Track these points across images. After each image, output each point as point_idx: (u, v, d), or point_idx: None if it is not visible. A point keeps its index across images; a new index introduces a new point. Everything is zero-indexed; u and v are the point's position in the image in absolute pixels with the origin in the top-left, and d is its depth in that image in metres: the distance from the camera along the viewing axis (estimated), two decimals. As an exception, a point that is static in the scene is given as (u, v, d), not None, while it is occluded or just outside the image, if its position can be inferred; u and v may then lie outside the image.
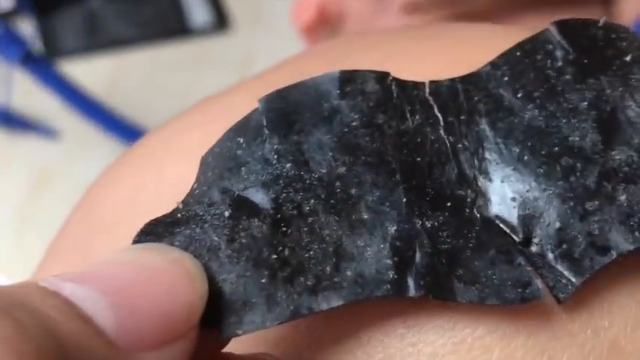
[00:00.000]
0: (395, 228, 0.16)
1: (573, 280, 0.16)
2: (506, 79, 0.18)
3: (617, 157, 0.16)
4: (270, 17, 0.86)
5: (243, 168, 0.17)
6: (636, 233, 0.15)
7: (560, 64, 0.17)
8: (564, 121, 0.17)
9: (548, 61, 0.17)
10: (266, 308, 0.15)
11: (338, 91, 0.17)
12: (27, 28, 0.79)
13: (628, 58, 0.17)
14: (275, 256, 0.16)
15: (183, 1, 0.86)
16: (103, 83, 0.78)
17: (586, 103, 0.17)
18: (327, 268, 0.16)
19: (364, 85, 0.17)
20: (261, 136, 0.17)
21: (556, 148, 0.16)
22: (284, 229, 0.16)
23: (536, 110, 0.17)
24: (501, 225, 0.16)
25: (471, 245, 0.16)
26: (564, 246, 0.16)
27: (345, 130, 0.17)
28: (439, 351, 0.16)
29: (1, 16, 0.78)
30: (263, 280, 0.16)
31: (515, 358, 0.16)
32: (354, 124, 0.17)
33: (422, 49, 0.21)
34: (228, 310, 0.16)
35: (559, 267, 0.16)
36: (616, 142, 0.16)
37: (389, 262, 0.16)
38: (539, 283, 0.16)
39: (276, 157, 0.17)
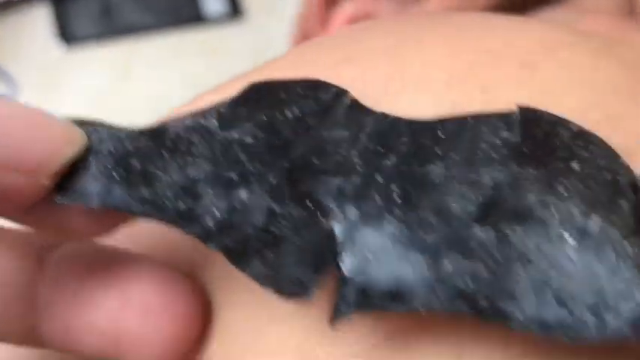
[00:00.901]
0: (244, 196, 0.18)
1: (345, 308, 0.16)
2: (441, 135, 0.18)
3: (477, 234, 0.16)
4: (284, 6, 0.85)
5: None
6: (435, 300, 0.16)
7: (497, 142, 0.18)
8: (456, 185, 0.17)
9: (490, 136, 0.18)
10: (107, 190, 0.18)
11: (300, 92, 0.20)
12: (42, 13, 0.79)
13: (576, 167, 0.17)
14: (138, 168, 0.18)
15: (198, -12, 0.85)
16: (117, 70, 0.78)
17: (490, 180, 0.17)
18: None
19: (321, 94, 0.20)
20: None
21: (426, 202, 0.17)
22: (165, 153, 0.19)
23: (442, 169, 0.18)
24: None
25: (297, 243, 0.17)
26: (368, 280, 0.16)
27: (279, 117, 0.19)
28: None
29: (16, 2, 0.78)
30: (115, 175, 0.18)
31: None
32: (289, 115, 0.19)
33: (428, 39, 0.21)
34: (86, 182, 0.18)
35: (348, 293, 0.16)
36: (490, 222, 0.16)
37: (219, 215, 0.18)
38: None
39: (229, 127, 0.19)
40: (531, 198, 0.17)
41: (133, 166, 0.19)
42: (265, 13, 0.86)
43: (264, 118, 0.19)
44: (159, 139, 0.19)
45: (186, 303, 0.20)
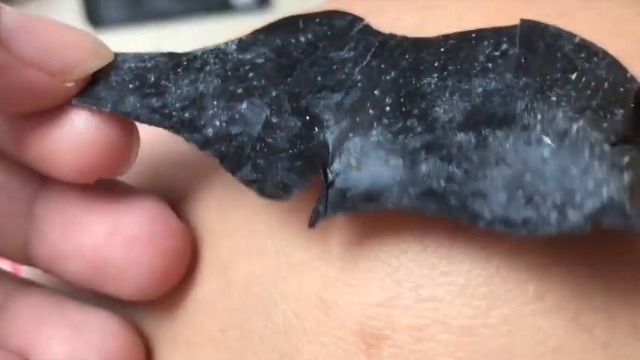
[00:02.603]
0: (245, 107, 0.19)
1: (324, 209, 0.17)
2: (442, 49, 0.19)
3: (458, 139, 0.17)
4: (313, -5, 0.84)
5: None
6: (405, 199, 0.16)
7: (496, 53, 0.18)
8: (447, 95, 0.17)
9: (489, 50, 0.18)
10: (120, 98, 0.19)
11: (317, 20, 0.20)
12: (71, -3, 0.80)
13: (573, 76, 0.17)
14: (152, 80, 0.19)
15: (227, -24, 0.85)
16: (144, 55, 0.77)
17: (481, 89, 0.17)
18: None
19: (336, 21, 0.20)
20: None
21: (415, 111, 0.17)
22: (179, 70, 0.20)
23: (435, 80, 0.18)
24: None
25: (290, 152, 0.18)
26: (348, 184, 0.17)
27: (292, 41, 0.20)
28: (471, 282, 0.17)
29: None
30: (130, 86, 0.19)
31: None
32: (302, 39, 0.20)
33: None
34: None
35: (329, 196, 0.17)
36: (472, 128, 0.17)
37: (219, 125, 0.19)
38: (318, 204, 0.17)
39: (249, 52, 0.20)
40: (519, 105, 0.17)
41: (147, 79, 0.20)
42: (293, 1, 0.85)
43: (279, 42, 0.20)
44: (177, 58, 0.20)
45: (173, 237, 0.20)
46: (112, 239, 0.20)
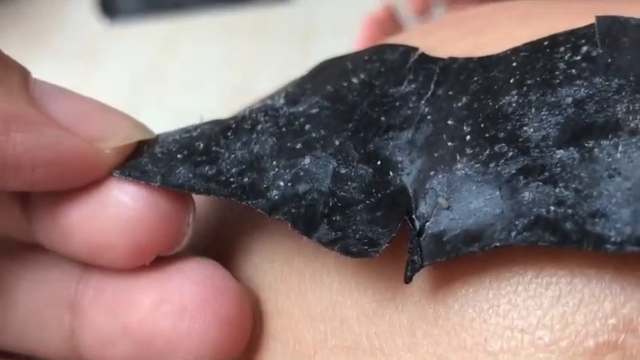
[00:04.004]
0: (308, 161, 0.17)
1: (420, 259, 0.15)
2: (514, 64, 0.17)
3: (558, 156, 0.15)
4: (334, -13, 0.83)
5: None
6: (513, 233, 0.15)
7: (577, 58, 0.16)
8: (533, 111, 0.16)
9: (567, 55, 0.17)
10: (169, 169, 0.18)
11: (366, 58, 0.19)
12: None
13: None
14: (201, 147, 0.18)
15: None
16: (160, 47, 0.76)
17: (571, 99, 0.16)
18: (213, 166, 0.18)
19: (387, 55, 0.19)
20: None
21: (502, 134, 0.16)
22: (229, 134, 0.19)
23: (515, 97, 0.16)
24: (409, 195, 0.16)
25: (367, 202, 0.17)
26: (441, 227, 0.16)
27: (345, 84, 0.19)
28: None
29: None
30: (179, 156, 0.18)
31: None
32: (355, 81, 0.19)
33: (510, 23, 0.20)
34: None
35: (423, 244, 0.16)
36: (572, 143, 0.15)
37: (284, 185, 0.17)
38: (411, 258, 0.16)
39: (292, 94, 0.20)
40: (619, 109, 0.15)
41: (196, 147, 0.18)
42: (314, -6, 0.83)
43: (330, 88, 0.19)
44: (224, 123, 0.19)
45: (229, 301, 0.18)
46: (159, 310, 0.18)
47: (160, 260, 0.19)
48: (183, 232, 0.18)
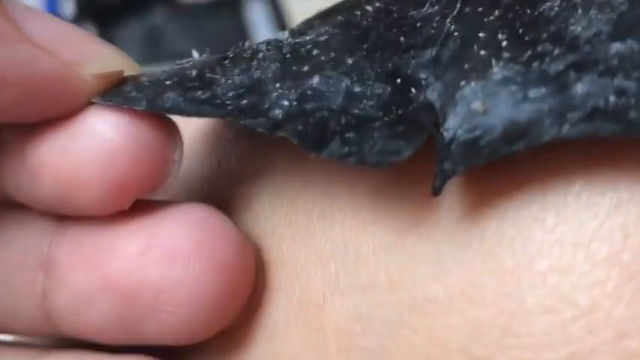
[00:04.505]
0: (317, 80, 0.16)
1: (452, 166, 0.14)
2: None
3: (614, 50, 0.14)
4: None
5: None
6: (565, 126, 0.13)
7: None
8: (579, 12, 0.15)
9: None
10: (156, 94, 0.16)
11: None
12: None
13: None
14: (194, 74, 0.17)
15: (248, 21, 0.83)
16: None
17: None
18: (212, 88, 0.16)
19: None
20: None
21: (544, 35, 0.15)
22: (225, 62, 0.17)
23: (558, 1, 0.15)
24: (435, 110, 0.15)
25: (386, 119, 0.15)
26: (477, 132, 0.14)
27: (357, 12, 0.17)
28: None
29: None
30: (167, 83, 0.16)
31: None
32: (369, 8, 0.17)
33: None
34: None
35: (455, 151, 0.14)
36: (629, 36, 0.14)
37: (288, 104, 0.15)
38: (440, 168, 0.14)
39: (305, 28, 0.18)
40: None
41: (188, 74, 0.17)
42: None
43: (340, 18, 0.18)
44: (221, 55, 0.18)
45: (229, 247, 0.16)
46: (146, 256, 0.15)
47: (146, 205, 0.16)
48: (169, 169, 0.16)
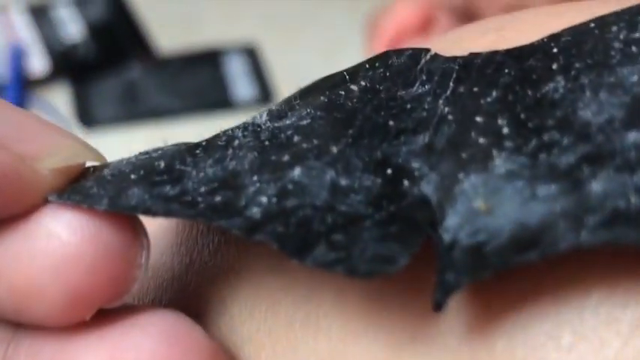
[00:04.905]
0: (298, 172, 0.14)
1: (455, 278, 0.12)
2: (554, 50, 0.15)
3: (631, 140, 0.13)
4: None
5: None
6: (583, 232, 0.12)
7: (637, 35, 0.14)
8: (588, 94, 0.14)
9: (624, 33, 0.15)
10: (119, 191, 0.14)
11: (367, 66, 0.17)
12: (61, 95, 0.76)
13: None
14: (162, 166, 0.15)
15: (227, 74, 0.82)
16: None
17: (636, 77, 0.14)
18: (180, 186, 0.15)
19: (392, 60, 0.17)
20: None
21: (550, 122, 0.14)
22: (197, 151, 0.15)
23: (562, 82, 0.14)
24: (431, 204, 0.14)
25: (377, 217, 0.13)
26: (481, 236, 0.12)
27: (342, 92, 0.16)
28: None
29: (34, 82, 0.74)
30: (133, 177, 0.15)
31: None
32: (354, 88, 0.16)
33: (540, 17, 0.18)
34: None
35: (457, 259, 0.12)
36: None
37: (267, 201, 0.14)
38: (437, 279, 0.12)
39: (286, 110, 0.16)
40: None
41: (156, 166, 0.15)
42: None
43: (324, 99, 0.16)
44: (193, 143, 0.16)
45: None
46: None
47: (109, 314, 0.15)
48: (133, 275, 0.14)
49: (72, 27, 0.79)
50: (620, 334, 0.11)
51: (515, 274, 0.12)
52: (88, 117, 0.76)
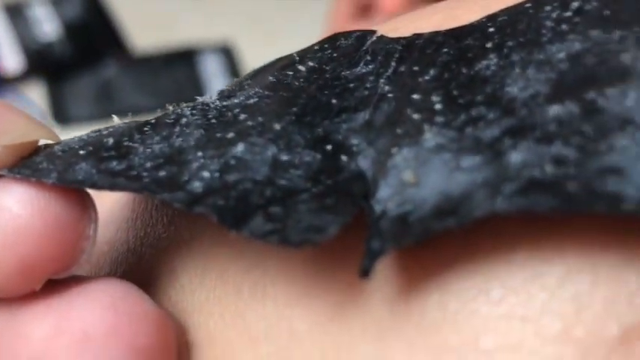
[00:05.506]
0: (241, 148, 0.15)
1: (380, 245, 0.12)
2: (491, 30, 0.16)
3: (553, 113, 0.13)
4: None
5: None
6: (499, 199, 0.12)
7: (568, 14, 0.15)
8: (517, 71, 0.14)
9: (557, 12, 0.15)
10: (68, 165, 0.15)
11: (316, 47, 0.17)
12: (36, 93, 0.76)
13: None
14: (110, 142, 0.15)
15: (203, 73, 0.82)
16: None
17: (563, 54, 0.14)
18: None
19: (340, 42, 0.17)
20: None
21: (479, 97, 0.14)
22: (146, 128, 0.16)
23: (495, 60, 0.15)
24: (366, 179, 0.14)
25: (314, 190, 0.14)
26: (407, 206, 0.13)
27: (290, 73, 0.17)
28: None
29: (8, 80, 0.74)
30: (81, 152, 0.15)
31: None
32: (302, 68, 0.17)
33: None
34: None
35: (384, 228, 0.13)
36: (569, 97, 0.13)
37: (209, 176, 0.14)
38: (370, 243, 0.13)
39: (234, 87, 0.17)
40: (624, 58, 0.13)
41: (104, 143, 0.16)
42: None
43: (271, 78, 0.17)
44: (143, 121, 0.16)
45: (146, 327, 0.14)
46: (56, 342, 0.14)
47: (57, 285, 0.15)
48: (82, 246, 0.15)
49: (47, 25, 0.78)
50: (546, 287, 0.12)
51: (449, 238, 0.13)
52: (63, 115, 0.76)
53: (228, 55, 0.84)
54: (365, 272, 0.12)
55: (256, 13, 0.89)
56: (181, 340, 0.15)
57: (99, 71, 0.79)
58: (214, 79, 0.82)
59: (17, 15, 0.79)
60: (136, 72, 0.81)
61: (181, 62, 0.83)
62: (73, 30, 0.79)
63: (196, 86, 0.82)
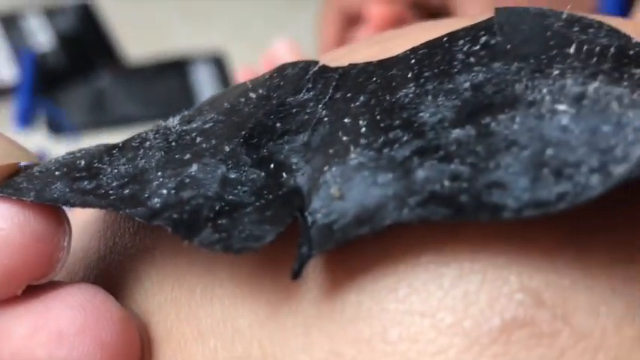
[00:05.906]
0: (195, 168, 0.17)
1: (306, 250, 0.14)
2: (412, 61, 0.17)
3: (454, 136, 0.15)
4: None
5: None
6: (405, 210, 0.14)
7: (475, 48, 0.17)
8: (429, 99, 0.16)
9: (467, 46, 0.17)
10: (45, 185, 0.17)
11: (267, 76, 0.19)
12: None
13: (571, 50, 0.16)
14: (82, 164, 0.17)
15: (195, 83, 0.84)
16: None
17: (468, 84, 0.16)
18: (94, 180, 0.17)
19: (287, 72, 0.19)
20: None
21: (397, 122, 0.16)
22: (114, 151, 0.18)
23: (412, 89, 0.17)
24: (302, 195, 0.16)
25: (257, 204, 0.16)
26: (332, 216, 0.15)
27: (242, 99, 0.19)
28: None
29: (3, 91, 0.76)
30: (57, 173, 0.17)
31: None
32: (252, 96, 0.19)
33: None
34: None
35: (313, 235, 0.15)
36: (469, 122, 0.15)
37: (166, 193, 0.16)
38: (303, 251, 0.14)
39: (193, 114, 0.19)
40: (518, 87, 0.15)
41: (77, 164, 0.18)
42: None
43: (227, 105, 0.19)
44: (112, 144, 0.18)
45: (112, 326, 0.16)
46: (34, 339, 0.16)
47: (36, 290, 0.17)
48: (57, 256, 0.17)
49: (41, 36, 0.80)
50: (443, 286, 0.14)
51: (369, 245, 0.15)
52: (56, 125, 0.77)
53: (219, 64, 0.86)
54: (295, 275, 0.14)
55: (248, 23, 0.90)
56: (144, 336, 0.17)
57: (92, 81, 0.81)
58: (206, 88, 0.84)
59: (11, 26, 0.81)
60: (128, 82, 0.82)
61: (173, 72, 0.85)
62: (66, 41, 0.81)
63: (188, 95, 0.83)
